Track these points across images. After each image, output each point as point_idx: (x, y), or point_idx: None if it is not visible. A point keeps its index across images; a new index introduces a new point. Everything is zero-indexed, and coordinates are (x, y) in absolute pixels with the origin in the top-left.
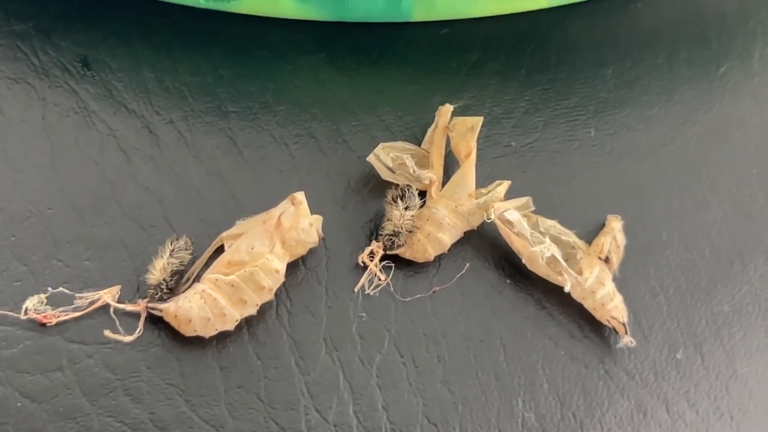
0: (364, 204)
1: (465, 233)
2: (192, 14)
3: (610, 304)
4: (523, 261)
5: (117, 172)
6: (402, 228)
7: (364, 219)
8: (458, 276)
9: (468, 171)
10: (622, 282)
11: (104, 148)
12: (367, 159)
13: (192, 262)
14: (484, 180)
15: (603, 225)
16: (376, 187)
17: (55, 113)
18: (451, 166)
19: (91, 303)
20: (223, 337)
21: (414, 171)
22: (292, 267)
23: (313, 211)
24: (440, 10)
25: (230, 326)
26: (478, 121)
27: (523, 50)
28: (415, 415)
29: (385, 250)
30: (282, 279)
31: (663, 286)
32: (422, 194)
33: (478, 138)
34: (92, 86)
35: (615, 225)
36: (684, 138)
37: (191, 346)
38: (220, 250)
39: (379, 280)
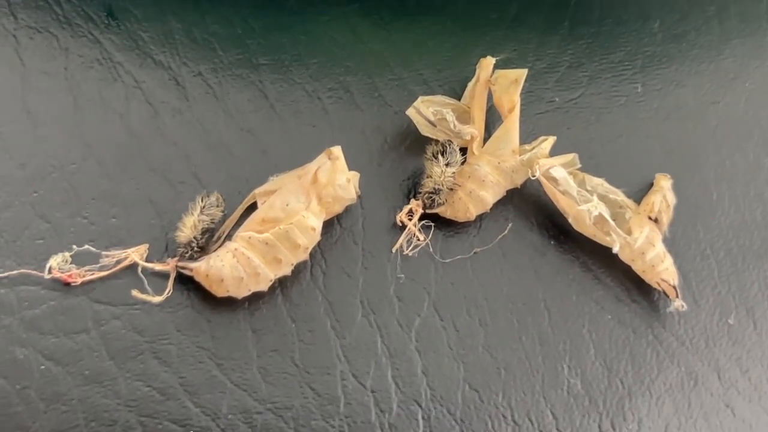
0: (401, 161)
1: (507, 192)
2: None
3: (660, 265)
4: (569, 221)
5: (143, 126)
6: (443, 185)
7: (401, 177)
8: (500, 237)
9: (512, 126)
10: (671, 243)
11: (130, 101)
12: (406, 112)
13: (223, 219)
14: (526, 137)
15: (651, 184)
16: (414, 143)
17: (79, 64)
18: (492, 121)
19: (118, 262)
20: (255, 298)
21: (455, 126)
22: (327, 226)
23: (349, 168)
24: None
25: (264, 287)
26: (522, 73)
27: (566, 2)
28: (455, 380)
29: (424, 208)
30: (318, 237)
31: (714, 249)
32: (463, 150)
33: (521, 93)
34: (117, 36)
35: (664, 183)
36: (734, 95)
37: (222, 308)
38: (253, 207)
39: (418, 240)
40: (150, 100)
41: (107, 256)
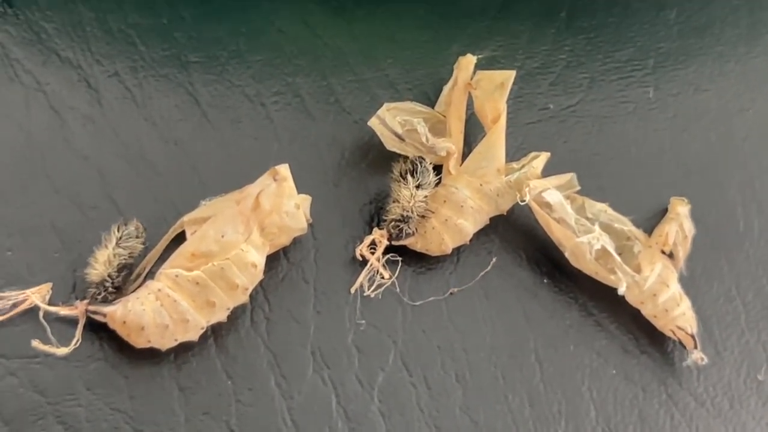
0: (363, 181)
1: (491, 219)
2: None
3: (675, 310)
4: (566, 255)
5: (47, 137)
6: (412, 211)
7: (363, 200)
8: (482, 274)
9: (496, 140)
10: (689, 282)
11: (30, 107)
12: (368, 123)
13: (144, 253)
14: (514, 152)
15: (666, 210)
16: (378, 159)
17: None
18: (473, 133)
19: (15, 305)
20: (183, 349)
21: (427, 139)
22: (271, 261)
23: (297, 190)
24: None
25: (194, 335)
26: (510, 75)
27: None
28: None
29: (390, 239)
30: (260, 276)
31: (741, 288)
32: (438, 169)
33: (508, 98)
34: (14, 28)
35: (681, 210)
36: (766, 100)
37: (143, 362)
38: (181, 238)
39: (382, 278)
40: (55, 106)
41: (1, 298)
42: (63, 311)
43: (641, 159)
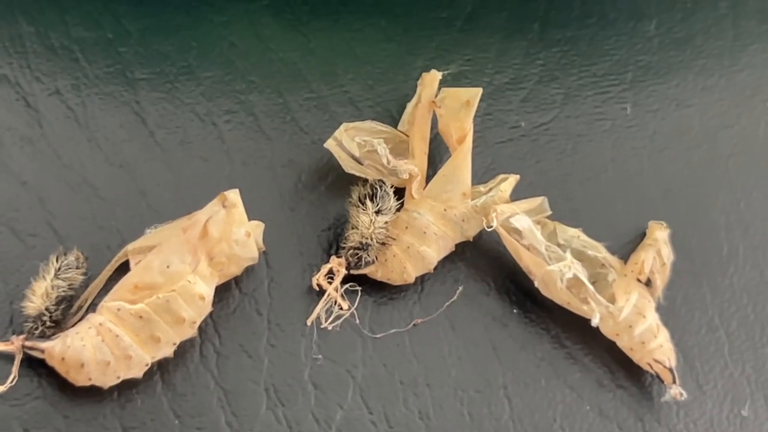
0: (320, 205)
1: (457, 246)
2: None
3: (652, 342)
4: (536, 284)
5: None
6: (372, 238)
7: (320, 226)
8: (448, 304)
9: (462, 161)
10: (669, 312)
11: None
12: (325, 145)
13: (85, 284)
14: (483, 173)
15: (643, 235)
16: (336, 182)
17: None
18: (438, 154)
19: None
20: (127, 387)
21: (388, 161)
22: (222, 291)
23: (251, 215)
24: None
25: (138, 372)
26: (476, 93)
27: None
28: None
29: (348, 268)
30: (209, 308)
31: (724, 318)
32: (399, 193)
33: (476, 116)
34: None
35: (659, 235)
36: (752, 116)
37: (84, 400)
38: (125, 268)
39: (341, 309)
40: None
41: None
42: None
43: (618, 180)
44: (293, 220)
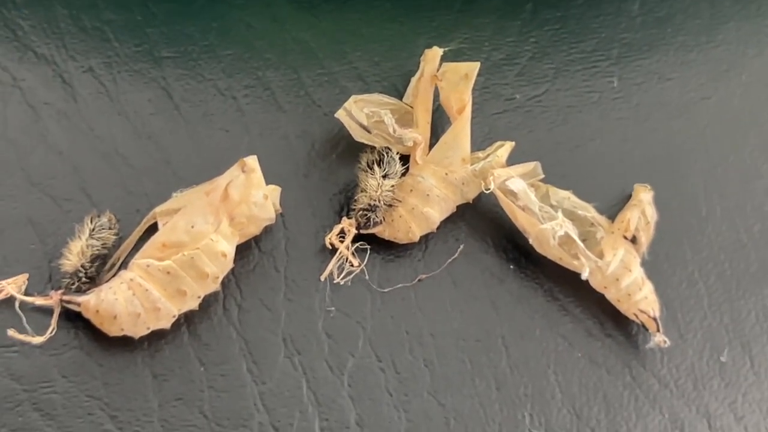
0: (331, 171)
1: (458, 207)
2: None
3: (638, 294)
4: (530, 241)
5: (22, 132)
6: (380, 201)
7: (332, 190)
8: (449, 261)
9: (461, 130)
10: (652, 267)
11: (7, 103)
12: (336, 115)
13: (117, 244)
14: (481, 141)
15: (629, 197)
16: (346, 150)
17: None
18: (440, 124)
19: None
20: (156, 337)
21: (394, 130)
22: (242, 250)
23: (268, 181)
24: None
25: (166, 324)
26: (474, 67)
27: None
28: None
29: (358, 228)
30: (230, 264)
31: (703, 273)
32: (404, 159)
33: (474, 89)
34: None
35: (644, 196)
36: (728, 89)
37: (117, 350)
38: (153, 229)
39: (352, 265)
40: (31, 102)
41: None
42: (38, 301)
43: (605, 148)
44: (307, 186)
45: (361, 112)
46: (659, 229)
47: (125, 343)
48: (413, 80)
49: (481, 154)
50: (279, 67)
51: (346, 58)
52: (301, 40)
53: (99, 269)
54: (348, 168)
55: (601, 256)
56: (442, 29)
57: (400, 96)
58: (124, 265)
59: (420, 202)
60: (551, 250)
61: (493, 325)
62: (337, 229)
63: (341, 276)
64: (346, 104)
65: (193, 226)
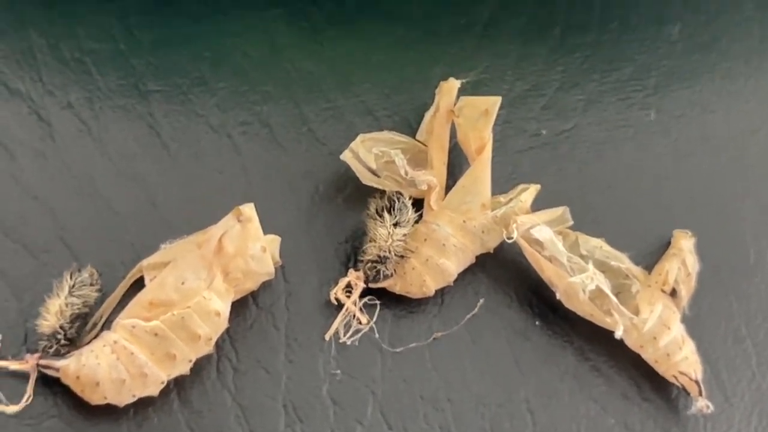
0: (337, 218)
1: (477, 258)
2: None
3: (677, 354)
4: (558, 296)
5: None
6: (390, 251)
7: (337, 239)
8: (468, 317)
9: (481, 172)
10: (694, 323)
11: None
12: (341, 157)
13: (100, 301)
14: (503, 183)
15: (667, 244)
16: (354, 193)
17: None
18: (457, 164)
19: None
20: (143, 405)
21: (406, 172)
22: (239, 306)
23: (267, 230)
24: None
25: (154, 390)
26: (495, 102)
27: (555, 1)
28: None
29: (367, 281)
30: (224, 324)
31: (751, 328)
32: (418, 204)
33: (495, 124)
34: None
35: (684, 244)
36: None
37: (100, 419)
38: (139, 284)
39: (360, 323)
40: (3, 141)
41: None
42: (13, 366)
43: (641, 188)
44: (310, 233)
45: (370, 153)
46: (701, 280)
47: (109, 412)
48: (427, 115)
49: (503, 199)
50: (279, 100)
51: (354, 90)
52: (303, 71)
53: (79, 330)
54: (356, 213)
55: (636, 312)
56: (460, 57)
57: (412, 132)
58: (107, 325)
59: (435, 252)
60: (581, 306)
61: (516, 388)
62: (343, 282)
63: (348, 335)
64: (352, 144)
65: (183, 283)
